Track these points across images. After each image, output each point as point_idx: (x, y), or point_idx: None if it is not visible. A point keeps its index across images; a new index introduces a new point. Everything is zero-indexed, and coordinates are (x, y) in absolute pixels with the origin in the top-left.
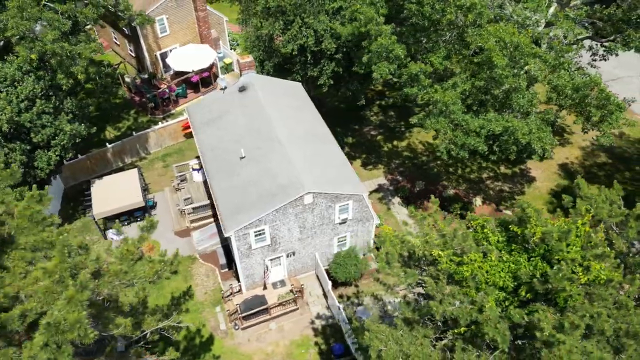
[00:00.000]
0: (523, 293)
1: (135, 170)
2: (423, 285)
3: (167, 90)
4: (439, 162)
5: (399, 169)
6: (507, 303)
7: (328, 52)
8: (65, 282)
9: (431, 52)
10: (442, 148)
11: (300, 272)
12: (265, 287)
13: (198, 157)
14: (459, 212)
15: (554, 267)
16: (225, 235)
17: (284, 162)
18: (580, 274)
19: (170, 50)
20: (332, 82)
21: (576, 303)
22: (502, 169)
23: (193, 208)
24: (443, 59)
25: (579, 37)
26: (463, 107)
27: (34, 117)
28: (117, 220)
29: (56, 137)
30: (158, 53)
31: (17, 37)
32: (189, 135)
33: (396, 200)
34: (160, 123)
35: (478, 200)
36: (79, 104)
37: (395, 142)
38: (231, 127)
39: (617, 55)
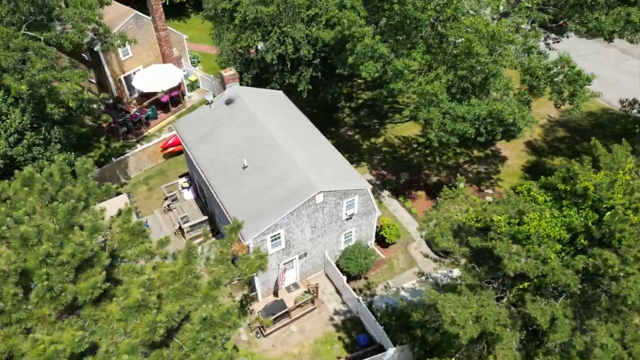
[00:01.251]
0: (582, 241)
1: (124, 195)
2: (466, 256)
3: (138, 113)
4: (417, 153)
5: (382, 164)
6: (563, 254)
7: (306, 59)
8: (192, 282)
9: (412, 49)
10: (432, 136)
11: (310, 272)
12: (276, 293)
13: (183, 176)
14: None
15: (610, 212)
16: (245, 243)
17: (289, 166)
18: (631, 215)
19: (134, 73)
20: (310, 88)
21: (629, 241)
22: (476, 152)
23: (191, 226)
24: (423, 53)
25: (540, 22)
26: (448, 96)
27: (24, 150)
28: None
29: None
30: (122, 77)
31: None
32: (169, 156)
33: (385, 193)
34: (138, 146)
35: (461, 184)
36: (66, 132)
37: (372, 140)
38: (226, 140)
39: (568, 37)
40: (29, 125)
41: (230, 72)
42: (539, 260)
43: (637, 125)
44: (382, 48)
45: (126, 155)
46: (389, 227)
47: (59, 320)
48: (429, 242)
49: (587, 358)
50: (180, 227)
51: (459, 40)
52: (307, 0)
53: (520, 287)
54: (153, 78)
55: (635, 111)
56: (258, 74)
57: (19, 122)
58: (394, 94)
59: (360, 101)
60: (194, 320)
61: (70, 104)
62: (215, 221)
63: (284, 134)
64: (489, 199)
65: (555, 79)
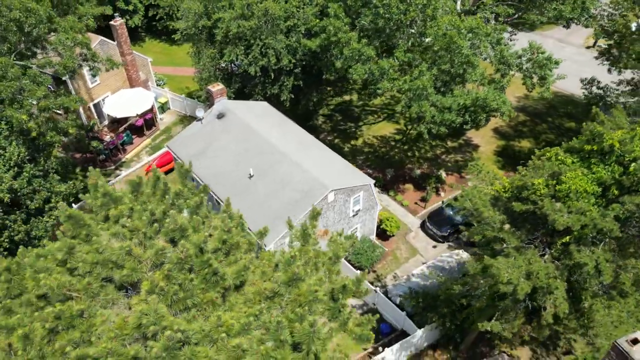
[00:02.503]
0: (614, 192)
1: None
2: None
3: (114, 140)
4: (396, 149)
5: (366, 163)
6: (596, 206)
7: (287, 68)
8: (311, 261)
9: (395, 49)
10: (423, 129)
11: None
12: None
13: None
14: (434, 186)
15: (634, 163)
16: (267, 249)
17: (294, 169)
18: None
19: (103, 100)
20: (292, 96)
21: None
22: (450, 143)
23: None
24: (405, 52)
25: (504, 16)
26: (434, 90)
27: (25, 184)
28: None
29: (50, 201)
30: (91, 104)
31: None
32: None
33: (374, 190)
34: (119, 172)
35: (443, 173)
36: (62, 161)
37: (352, 142)
38: (226, 152)
39: (520, 30)
40: (27, 157)
41: (218, 87)
42: (580, 214)
43: (593, 105)
44: (368, 50)
45: (112, 182)
46: (388, 220)
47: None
48: (425, 230)
49: (638, 288)
50: None
51: (440, 37)
52: (285, 12)
53: (563, 241)
54: (124, 103)
55: (594, 88)
56: (240, 88)
57: (17, 153)
58: (379, 93)
59: (331, 107)
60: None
61: (70, 131)
62: None
63: (281, 140)
64: (471, 184)
65: (525, 65)
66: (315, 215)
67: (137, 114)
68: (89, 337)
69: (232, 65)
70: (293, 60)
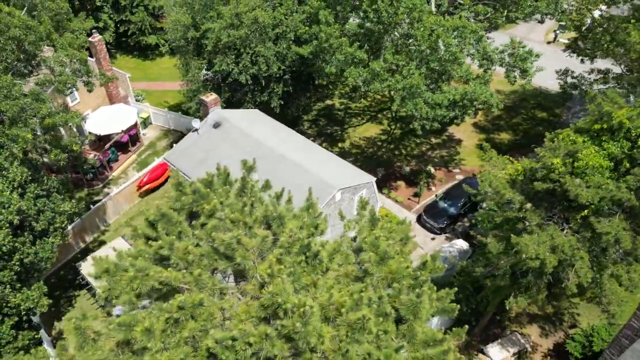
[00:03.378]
0: (626, 165)
1: (120, 238)
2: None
3: (101, 158)
4: (383, 149)
5: (356, 164)
6: (611, 180)
7: (277, 75)
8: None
9: (381, 51)
10: (417, 126)
11: None
12: None
13: None
14: (425, 181)
15: None
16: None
17: (298, 171)
18: None
19: (84, 119)
20: (282, 103)
21: None
22: (434, 139)
23: None
24: (393, 54)
25: (484, 14)
26: (425, 88)
27: (31, 204)
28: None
29: (55, 221)
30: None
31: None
32: (145, 194)
33: (376, 187)
34: (113, 188)
35: (431, 168)
36: (62, 180)
37: (340, 145)
38: (227, 160)
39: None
40: (29, 177)
41: (211, 96)
42: (598, 187)
43: (569, 94)
44: (360, 54)
45: (104, 200)
46: (387, 216)
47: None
48: (422, 223)
49: None
50: None
51: (427, 37)
52: (274, 20)
53: (582, 214)
54: (107, 120)
55: (569, 78)
56: (229, 97)
57: (20, 173)
58: (370, 94)
59: (314, 112)
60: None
61: (75, 148)
62: None
63: (280, 144)
64: (459, 177)
65: (507, 60)
66: (364, 204)
67: (121, 130)
68: (211, 325)
69: (212, 74)
70: (283, 67)
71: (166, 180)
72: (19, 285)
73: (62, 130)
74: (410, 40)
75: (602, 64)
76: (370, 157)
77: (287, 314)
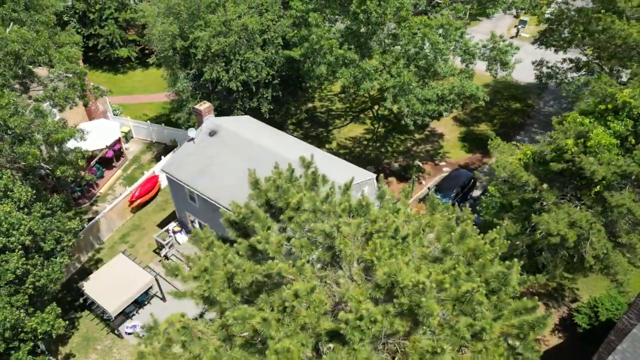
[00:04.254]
0: (631, 141)
1: (121, 254)
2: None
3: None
4: (370, 148)
5: None
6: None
7: (266, 81)
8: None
9: (372, 51)
10: (409, 121)
11: None
12: None
13: (161, 224)
14: (417, 174)
15: None
16: None
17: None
18: None
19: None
20: (272, 108)
21: None
22: (417, 135)
23: None
24: (381, 54)
25: (463, 12)
26: (416, 84)
27: (39, 224)
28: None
29: (62, 240)
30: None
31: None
32: (136, 209)
33: (376, 183)
34: (106, 205)
35: (419, 163)
36: (64, 198)
37: (327, 146)
38: (228, 167)
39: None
40: (34, 196)
41: (204, 105)
42: (608, 164)
43: (544, 83)
44: (351, 54)
45: (97, 218)
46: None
47: None
48: None
49: None
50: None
51: (413, 35)
52: (262, 25)
53: (596, 190)
54: (90, 136)
55: (544, 68)
56: (219, 105)
57: (24, 192)
58: (360, 93)
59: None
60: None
61: (80, 163)
62: None
63: (279, 147)
64: (446, 169)
65: (489, 53)
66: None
67: (106, 146)
68: (323, 311)
69: (192, 84)
70: (272, 72)
71: (157, 194)
72: (32, 309)
73: (65, 146)
74: (398, 40)
75: (564, 54)
76: (358, 156)
77: (404, 291)
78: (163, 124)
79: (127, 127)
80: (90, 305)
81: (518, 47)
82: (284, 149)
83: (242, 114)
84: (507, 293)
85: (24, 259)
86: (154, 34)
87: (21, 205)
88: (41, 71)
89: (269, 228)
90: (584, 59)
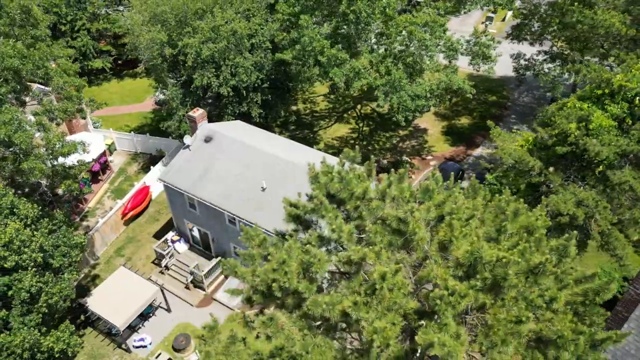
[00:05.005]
0: (628, 122)
1: (122, 268)
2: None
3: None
4: (358, 146)
5: None
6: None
7: (255, 85)
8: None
9: (360, 50)
10: (400, 117)
11: None
12: None
13: (156, 237)
14: (407, 170)
15: (638, 97)
16: None
17: (305, 173)
18: None
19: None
20: (261, 112)
21: None
22: (402, 132)
23: (208, 272)
24: (370, 52)
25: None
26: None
27: (48, 240)
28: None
29: (70, 255)
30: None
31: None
32: (129, 221)
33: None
34: (98, 220)
35: (407, 159)
36: (66, 213)
37: (315, 147)
38: (228, 172)
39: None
40: (40, 213)
41: (198, 111)
42: (609, 144)
43: (519, 76)
44: (342, 54)
45: (90, 233)
46: None
47: None
48: None
49: None
50: (192, 280)
51: (401, 35)
52: (250, 30)
53: (599, 170)
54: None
55: (522, 61)
56: (209, 111)
57: (30, 210)
58: (352, 91)
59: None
60: None
61: (85, 176)
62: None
63: (276, 149)
64: (433, 163)
65: (473, 48)
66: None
67: (92, 159)
68: (406, 292)
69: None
70: (261, 76)
71: (148, 205)
72: (45, 328)
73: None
74: (384, 39)
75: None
76: None
77: (486, 267)
78: (148, 134)
79: (110, 139)
80: (93, 322)
81: (500, 40)
82: (280, 151)
83: (232, 119)
84: (568, 264)
85: (37, 276)
86: (142, 42)
87: (28, 222)
88: (33, 86)
89: (336, 218)
90: (555, 49)
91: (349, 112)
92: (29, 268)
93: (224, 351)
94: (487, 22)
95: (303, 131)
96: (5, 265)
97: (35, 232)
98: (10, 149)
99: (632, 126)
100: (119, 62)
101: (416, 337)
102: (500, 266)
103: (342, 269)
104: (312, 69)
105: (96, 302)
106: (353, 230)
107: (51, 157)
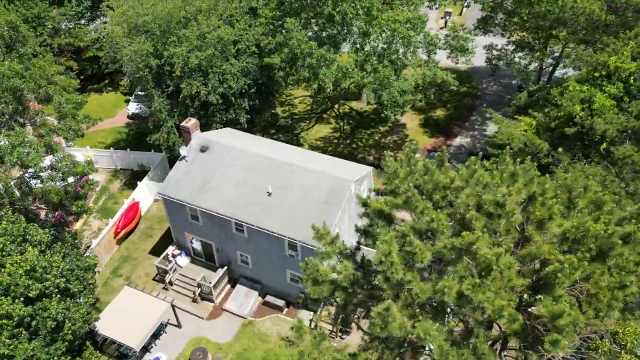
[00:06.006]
0: (626, 100)
1: (126, 287)
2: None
3: (62, 213)
4: (341, 145)
5: None
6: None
7: (242, 90)
8: None
9: (345, 50)
10: (389, 113)
11: None
12: None
13: (152, 254)
14: None
15: (632, 77)
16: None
17: (306, 175)
18: None
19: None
20: (249, 117)
21: None
22: (382, 128)
23: (215, 283)
24: (355, 51)
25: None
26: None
27: (65, 264)
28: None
29: (85, 278)
30: (12, 182)
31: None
32: (121, 240)
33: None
34: (91, 241)
35: (389, 152)
36: (73, 235)
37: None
38: (229, 179)
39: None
40: (52, 237)
41: (191, 121)
42: (612, 122)
43: (492, 67)
44: (330, 55)
45: (87, 254)
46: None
47: None
48: None
49: None
50: (200, 293)
51: (384, 34)
52: (235, 36)
53: (603, 146)
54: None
55: (494, 51)
56: (198, 119)
57: (44, 234)
58: (342, 90)
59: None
60: None
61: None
62: (231, 269)
63: (274, 153)
64: (418, 155)
65: (451, 42)
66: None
67: (73, 180)
68: (514, 270)
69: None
70: (248, 81)
71: (139, 221)
72: (69, 357)
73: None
74: (368, 38)
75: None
76: (332, 154)
77: (591, 239)
78: (128, 149)
79: (87, 157)
80: (101, 346)
81: (477, 33)
82: (277, 153)
83: (220, 127)
84: None
85: (62, 303)
86: (126, 54)
87: (42, 248)
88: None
89: (425, 208)
90: (514, 39)
91: (328, 112)
92: (53, 295)
93: (316, 347)
94: (447, 17)
95: (284, 134)
96: (30, 295)
97: (55, 257)
98: (25, 172)
99: (630, 104)
100: (81, 77)
101: (536, 311)
102: (605, 237)
103: (446, 256)
104: (302, 72)
105: (106, 326)
106: (447, 220)
107: (61, 178)
